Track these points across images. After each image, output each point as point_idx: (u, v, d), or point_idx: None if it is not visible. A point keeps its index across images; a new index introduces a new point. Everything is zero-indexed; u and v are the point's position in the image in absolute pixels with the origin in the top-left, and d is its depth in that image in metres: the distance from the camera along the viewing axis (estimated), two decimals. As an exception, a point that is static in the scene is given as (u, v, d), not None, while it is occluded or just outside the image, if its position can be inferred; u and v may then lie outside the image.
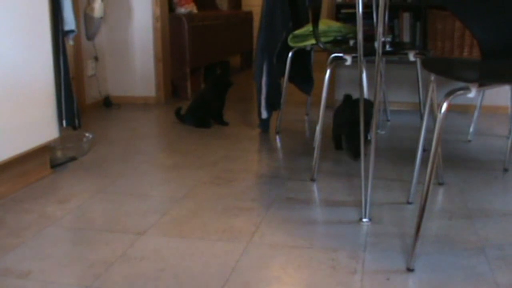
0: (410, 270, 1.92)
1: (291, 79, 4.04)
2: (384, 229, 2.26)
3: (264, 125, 3.87)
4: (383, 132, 3.86)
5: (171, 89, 5.25)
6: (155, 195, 2.66)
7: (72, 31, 3.14)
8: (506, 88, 3.99)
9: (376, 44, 2.29)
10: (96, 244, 2.12)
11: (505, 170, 3.03)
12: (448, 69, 2.06)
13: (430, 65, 2.17)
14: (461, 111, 4.47)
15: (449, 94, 1.85)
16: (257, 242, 2.12)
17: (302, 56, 4.09)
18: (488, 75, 1.83)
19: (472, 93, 1.86)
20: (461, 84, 1.87)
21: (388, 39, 4.03)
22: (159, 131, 4.01)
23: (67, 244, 2.13)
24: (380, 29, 2.26)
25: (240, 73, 7.05)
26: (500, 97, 4.36)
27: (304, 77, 4.27)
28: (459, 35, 4.00)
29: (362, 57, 2.36)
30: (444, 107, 1.84)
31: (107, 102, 4.88)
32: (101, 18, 4.60)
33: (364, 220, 2.33)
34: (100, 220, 2.36)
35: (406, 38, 4.43)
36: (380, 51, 2.28)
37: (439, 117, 1.85)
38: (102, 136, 3.77)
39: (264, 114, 3.80)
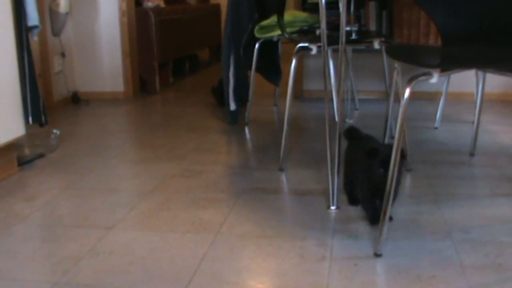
0: (377, 255, 1.94)
1: (259, 70, 4.04)
2: (352, 216, 2.28)
3: (233, 117, 3.87)
4: (351, 121, 3.88)
5: (139, 83, 5.23)
6: (124, 189, 2.65)
7: (36, 26, 3.11)
8: (471, 74, 4.04)
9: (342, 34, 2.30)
10: (65, 240, 2.11)
11: (471, 155, 3.07)
12: (411, 56, 2.08)
13: (393, 52, 2.19)
14: (428, 98, 4.50)
15: (411, 80, 1.87)
16: (225, 233, 2.13)
17: (270, 47, 4.10)
18: (449, 60, 1.85)
19: (434, 79, 1.87)
20: (424, 70, 1.89)
21: (355, 28, 4.06)
22: (128, 126, 3.99)
23: (35, 241, 2.12)
24: (343, 18, 2.27)
25: (209, 67, 7.05)
26: (466, 83, 4.41)
27: (272, 68, 4.27)
28: (424, 23, 4.04)
29: (326, 46, 2.37)
30: (407, 92, 1.86)
31: (75, 99, 4.85)
32: (67, 13, 4.56)
33: (332, 207, 2.35)
34: (69, 216, 2.34)
35: (372, 27, 4.45)
36: (344, 40, 2.29)
37: (402, 102, 1.86)
38: (70, 133, 3.75)
39: (233, 106, 3.80)
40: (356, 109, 4.26)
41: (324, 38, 2.35)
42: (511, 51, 1.85)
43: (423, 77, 1.87)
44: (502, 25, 1.96)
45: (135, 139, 3.59)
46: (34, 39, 3.27)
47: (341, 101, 2.29)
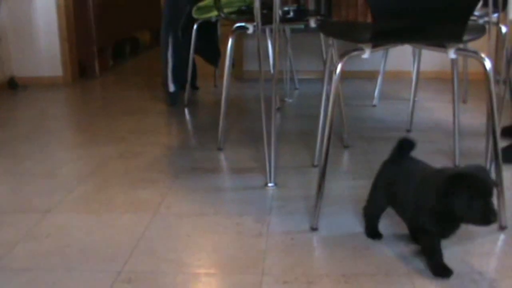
0: (314, 229, 1.97)
1: (198, 51, 4.03)
2: (289, 192, 2.30)
3: (172, 98, 3.85)
4: (290, 100, 3.91)
5: (78, 68, 5.14)
6: (62, 173, 2.62)
7: (-34, 9, 3.04)
8: (408, 53, 4.10)
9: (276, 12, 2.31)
10: (0, 226, 2.07)
11: (408, 131, 3.13)
12: (343, 32, 2.11)
13: (326, 28, 2.22)
14: (366, 77, 4.56)
15: (343, 56, 1.89)
16: (163, 212, 2.13)
17: (208, 28, 4.09)
18: (379, 35, 1.88)
19: (366, 54, 1.91)
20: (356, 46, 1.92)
21: (293, 7, 4.07)
22: (67, 111, 3.94)
23: (-31, 227, 2.08)
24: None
25: (150, 50, 6.98)
26: (404, 62, 4.47)
27: (211, 49, 4.26)
28: (362, 2, 4.08)
29: (260, 25, 2.38)
30: (339, 68, 1.88)
31: (12, 84, 4.74)
32: (0, -3, 4.46)
33: (270, 184, 2.37)
34: (5, 201, 2.30)
35: (312, 7, 4.47)
36: (278, 18, 2.30)
37: (334, 78, 1.89)
38: (7, 118, 3.67)
39: (172, 88, 3.79)
40: (296, 89, 4.29)
41: (258, 17, 2.36)
42: (439, 26, 1.89)
43: (355, 53, 1.90)
44: (431, 1, 1.99)
45: (74, 123, 3.54)
46: (-35, 22, 3.19)
47: (280, 80, 2.30)
